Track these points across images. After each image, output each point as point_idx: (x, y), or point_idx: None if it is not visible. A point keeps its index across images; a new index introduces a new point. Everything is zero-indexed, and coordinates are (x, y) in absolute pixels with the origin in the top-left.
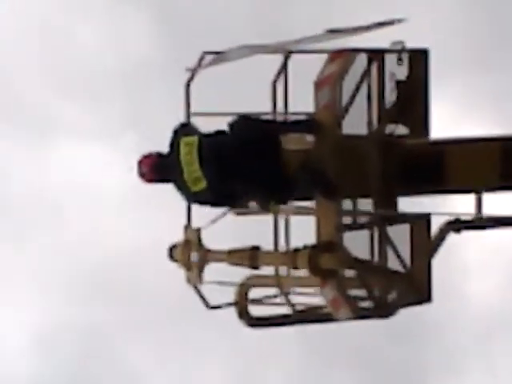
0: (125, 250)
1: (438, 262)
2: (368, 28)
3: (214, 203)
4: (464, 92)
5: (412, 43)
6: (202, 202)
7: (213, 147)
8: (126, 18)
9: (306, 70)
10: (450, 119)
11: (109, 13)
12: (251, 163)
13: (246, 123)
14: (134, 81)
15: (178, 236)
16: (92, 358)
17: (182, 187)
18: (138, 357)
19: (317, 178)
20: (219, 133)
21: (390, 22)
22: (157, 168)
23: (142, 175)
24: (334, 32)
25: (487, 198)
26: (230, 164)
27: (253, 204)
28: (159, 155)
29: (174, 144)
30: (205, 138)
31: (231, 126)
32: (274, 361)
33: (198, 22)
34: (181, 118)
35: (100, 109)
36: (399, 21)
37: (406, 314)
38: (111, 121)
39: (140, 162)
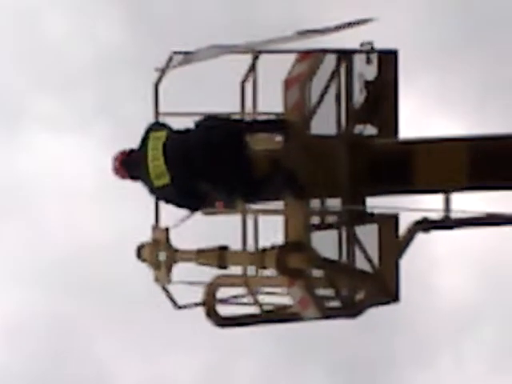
0: (97, 241)
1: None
2: (338, 28)
3: (176, 200)
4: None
5: (380, 43)
6: (163, 198)
7: (178, 144)
8: (98, 5)
9: (275, 69)
10: (419, 115)
11: (81, 1)
12: (215, 163)
13: (211, 122)
14: (106, 70)
15: (148, 229)
16: (62, 350)
17: (147, 181)
18: (108, 350)
19: (286, 178)
20: (188, 131)
21: (360, 22)
22: (126, 163)
23: (115, 171)
24: (304, 33)
25: (455, 197)
26: (193, 163)
27: (217, 203)
28: (131, 151)
29: (145, 139)
30: (173, 134)
31: (197, 124)
32: (245, 355)
33: (171, 11)
34: (150, 114)
35: (71, 98)
36: (368, 21)
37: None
38: (83, 110)
39: (114, 159)
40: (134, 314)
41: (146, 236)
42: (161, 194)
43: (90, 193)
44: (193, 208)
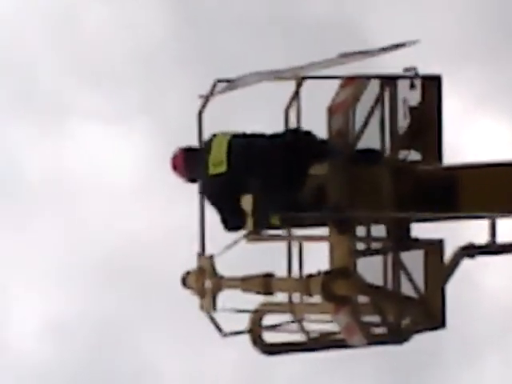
0: (140, 237)
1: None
2: (381, 51)
3: (221, 196)
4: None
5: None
6: (211, 189)
7: (245, 143)
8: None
9: (319, 95)
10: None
11: None
12: (277, 169)
13: (302, 137)
14: (149, 66)
15: (193, 226)
16: (106, 347)
17: (203, 173)
18: (152, 347)
19: (331, 209)
20: (255, 136)
21: (404, 45)
22: (188, 160)
23: (174, 166)
24: (346, 56)
25: (501, 222)
26: (256, 160)
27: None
28: (193, 149)
29: (210, 140)
30: (238, 136)
31: (287, 132)
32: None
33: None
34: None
35: (114, 94)
36: (413, 43)
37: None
38: (126, 106)
39: (174, 155)
40: (179, 310)
41: (191, 233)
42: (211, 184)
43: (134, 187)
44: (230, 212)
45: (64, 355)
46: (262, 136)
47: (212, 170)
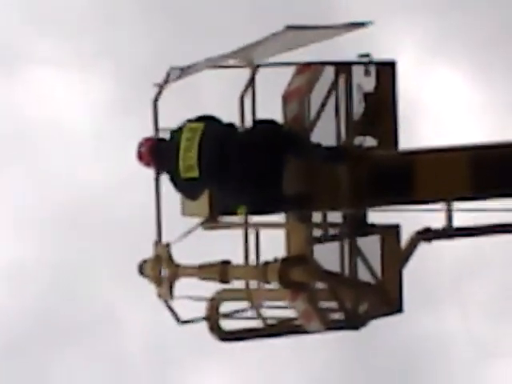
0: (98, 184)
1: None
2: (333, 28)
3: (198, 195)
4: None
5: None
6: (184, 190)
7: (216, 139)
8: None
9: (274, 81)
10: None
11: None
12: (249, 165)
13: (273, 128)
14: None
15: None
16: (63, 294)
17: (173, 171)
18: (110, 294)
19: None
20: (230, 125)
21: (358, 25)
22: (154, 151)
23: (140, 157)
24: (294, 29)
25: (457, 206)
26: (230, 159)
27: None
28: (160, 139)
29: (178, 130)
30: (211, 127)
31: (258, 122)
32: None
33: None
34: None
35: (74, 38)
36: (366, 24)
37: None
38: (85, 50)
39: (140, 144)
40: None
41: (147, 179)
42: (184, 186)
43: (94, 131)
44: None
45: (21, 301)
46: (233, 127)
47: (184, 173)
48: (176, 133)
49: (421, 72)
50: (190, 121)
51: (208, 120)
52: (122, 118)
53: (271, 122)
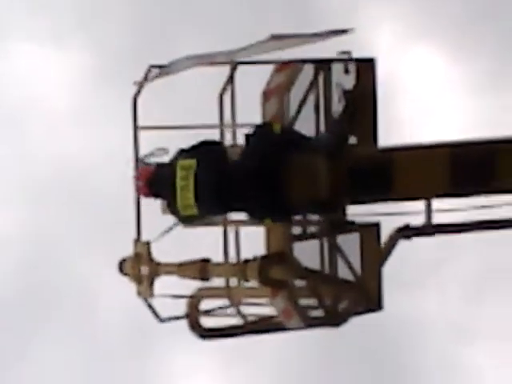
0: (77, 158)
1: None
2: (317, 35)
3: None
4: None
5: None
6: (185, 223)
7: (211, 178)
8: None
9: (254, 80)
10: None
11: None
12: (258, 186)
13: (265, 140)
14: None
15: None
16: (42, 265)
17: (172, 206)
18: (89, 266)
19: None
20: (222, 151)
21: (341, 31)
22: (151, 182)
23: (138, 189)
24: (278, 38)
25: (437, 203)
26: (230, 193)
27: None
28: (156, 168)
29: (172, 162)
30: (203, 163)
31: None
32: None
33: None
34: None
35: (48, 9)
36: (349, 30)
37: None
38: (59, 21)
39: (137, 176)
40: (119, 233)
41: (127, 153)
42: (184, 221)
43: (71, 108)
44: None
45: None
46: (225, 155)
47: (183, 211)
48: (171, 166)
49: (400, 52)
50: (183, 151)
51: (199, 152)
52: (102, 92)
53: (262, 128)
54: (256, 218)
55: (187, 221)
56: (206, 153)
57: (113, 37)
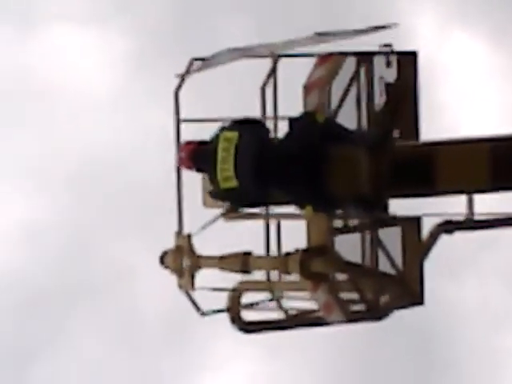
0: (116, 145)
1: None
2: (360, 32)
3: (240, 204)
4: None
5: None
6: (226, 199)
7: (251, 152)
8: None
9: (295, 73)
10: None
11: None
12: (289, 177)
13: (308, 128)
14: None
15: (169, 133)
16: (80, 256)
17: (213, 179)
18: (127, 256)
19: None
20: (265, 130)
21: (383, 27)
22: (194, 156)
23: (181, 161)
24: (322, 35)
25: (478, 197)
26: (270, 170)
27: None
28: (200, 143)
29: (216, 136)
30: (245, 137)
31: (291, 125)
32: None
33: None
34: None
35: None
36: (392, 25)
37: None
38: (100, 5)
39: (181, 149)
40: (153, 220)
41: (168, 137)
42: (224, 195)
43: (112, 91)
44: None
45: (37, 263)
46: (267, 134)
47: (222, 184)
48: (214, 139)
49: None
50: (225, 128)
51: (243, 127)
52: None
53: (306, 116)
54: (296, 203)
55: (227, 196)
56: (249, 127)
57: (154, 22)
